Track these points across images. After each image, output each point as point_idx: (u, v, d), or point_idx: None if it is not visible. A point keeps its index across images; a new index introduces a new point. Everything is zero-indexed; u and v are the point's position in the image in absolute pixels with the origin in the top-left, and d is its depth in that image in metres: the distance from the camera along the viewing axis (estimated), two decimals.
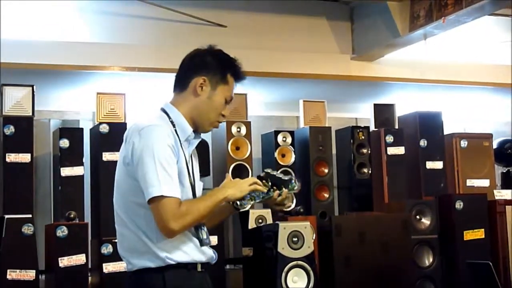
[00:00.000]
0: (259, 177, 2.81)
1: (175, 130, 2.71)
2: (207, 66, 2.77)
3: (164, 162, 2.58)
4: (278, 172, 2.86)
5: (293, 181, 2.83)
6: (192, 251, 2.68)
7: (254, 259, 5.01)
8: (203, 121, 2.78)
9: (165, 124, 2.68)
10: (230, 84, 2.81)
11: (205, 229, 2.75)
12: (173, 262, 2.63)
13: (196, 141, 2.82)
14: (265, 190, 2.78)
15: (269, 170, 2.84)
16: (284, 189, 2.80)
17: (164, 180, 2.56)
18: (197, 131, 2.80)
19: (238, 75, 2.84)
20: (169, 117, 2.73)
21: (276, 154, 5.92)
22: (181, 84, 2.79)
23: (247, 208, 2.57)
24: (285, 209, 2.99)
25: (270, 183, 2.79)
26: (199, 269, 2.71)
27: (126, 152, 2.66)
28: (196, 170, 2.84)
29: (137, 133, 2.64)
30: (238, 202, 2.77)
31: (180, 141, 2.70)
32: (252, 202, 2.81)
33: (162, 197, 2.55)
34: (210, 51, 2.82)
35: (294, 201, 5.70)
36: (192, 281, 2.68)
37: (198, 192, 2.78)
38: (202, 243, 2.70)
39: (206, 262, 2.75)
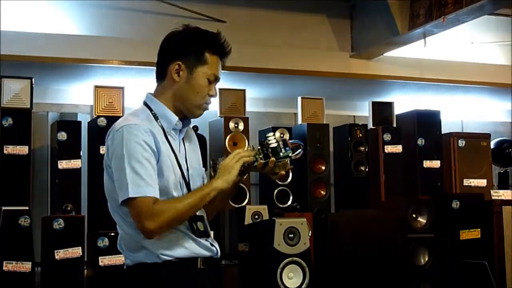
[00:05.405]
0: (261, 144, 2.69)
1: (159, 122, 2.64)
2: (181, 50, 2.65)
3: (134, 162, 2.50)
4: (276, 139, 2.67)
5: (282, 150, 2.66)
6: (190, 245, 2.61)
7: (250, 255, 5.02)
8: (188, 106, 2.68)
9: (142, 120, 2.60)
10: (210, 63, 2.66)
11: (205, 221, 2.68)
12: (170, 258, 2.57)
13: (185, 128, 2.74)
14: (253, 159, 2.64)
15: (270, 136, 2.68)
16: (272, 157, 2.65)
17: (132, 181, 2.48)
18: (186, 118, 2.72)
19: (219, 50, 2.69)
20: (151, 110, 2.67)
21: None
22: (160, 73, 2.71)
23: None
24: (276, 178, 2.81)
25: (262, 152, 2.66)
26: (200, 265, 2.62)
27: (105, 155, 2.62)
28: (194, 157, 2.77)
29: (112, 135, 2.59)
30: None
31: (165, 132, 2.63)
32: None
33: (131, 199, 2.48)
34: (184, 32, 2.70)
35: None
36: (189, 278, 2.60)
37: (196, 178, 2.71)
38: (196, 233, 2.61)
39: (208, 257, 2.66)
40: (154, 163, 2.55)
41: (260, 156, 2.66)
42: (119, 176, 2.52)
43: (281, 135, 2.74)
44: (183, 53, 2.65)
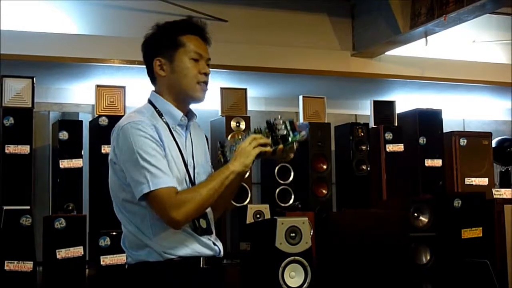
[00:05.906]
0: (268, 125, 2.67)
1: (164, 119, 2.66)
2: (154, 47, 2.73)
3: (147, 156, 2.51)
4: (285, 125, 2.65)
5: (290, 134, 2.63)
6: (192, 244, 2.60)
7: (252, 254, 5.01)
8: (185, 91, 2.68)
9: (148, 117, 2.62)
10: (187, 44, 2.69)
11: (208, 218, 2.67)
12: (173, 257, 2.56)
13: (191, 124, 2.75)
14: (269, 142, 2.62)
15: (278, 120, 2.66)
16: (281, 144, 2.64)
17: (151, 174, 2.49)
18: (190, 112, 2.74)
19: (191, 29, 2.73)
20: (155, 108, 2.69)
21: None
22: (151, 76, 2.78)
23: None
24: (282, 160, 2.75)
25: (271, 137, 2.64)
26: (202, 264, 2.62)
27: (111, 152, 2.62)
28: (201, 153, 2.78)
29: (117, 132, 2.59)
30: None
31: (170, 129, 2.65)
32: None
33: (153, 191, 2.49)
34: (153, 31, 2.77)
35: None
36: (192, 277, 2.59)
37: (202, 176, 2.71)
38: (198, 231, 2.61)
39: (211, 257, 2.66)
40: (163, 155, 2.57)
41: (268, 141, 2.64)
42: (133, 172, 2.52)
43: (281, 117, 2.70)
44: (157, 48, 2.72)
